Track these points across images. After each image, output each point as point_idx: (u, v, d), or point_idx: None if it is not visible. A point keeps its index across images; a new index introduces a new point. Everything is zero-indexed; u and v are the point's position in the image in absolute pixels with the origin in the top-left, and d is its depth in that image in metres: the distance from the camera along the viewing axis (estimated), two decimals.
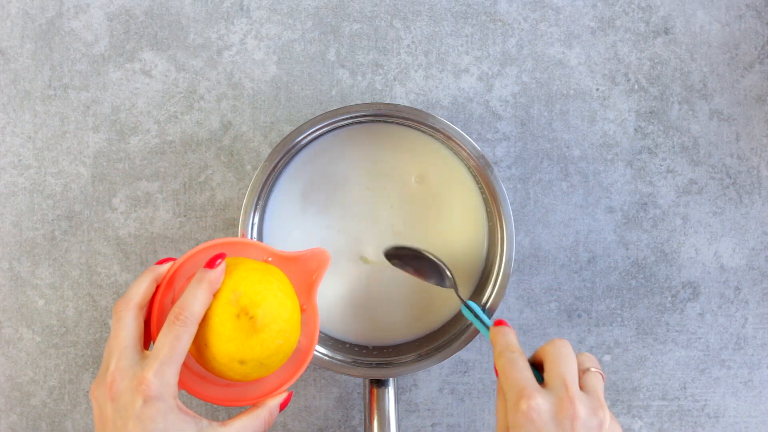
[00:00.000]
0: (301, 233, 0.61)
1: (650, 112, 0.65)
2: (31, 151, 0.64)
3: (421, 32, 0.65)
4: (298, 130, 0.57)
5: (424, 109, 0.64)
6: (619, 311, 0.65)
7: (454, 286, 0.57)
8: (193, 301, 0.46)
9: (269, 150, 0.64)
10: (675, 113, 0.65)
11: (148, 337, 0.49)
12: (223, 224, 0.64)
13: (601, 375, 0.48)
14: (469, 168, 0.60)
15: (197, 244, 0.63)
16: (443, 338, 0.60)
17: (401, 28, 0.64)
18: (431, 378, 0.65)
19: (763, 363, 0.66)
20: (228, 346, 0.46)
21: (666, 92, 0.65)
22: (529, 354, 0.60)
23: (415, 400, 0.65)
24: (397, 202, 0.61)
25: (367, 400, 0.58)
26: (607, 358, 0.65)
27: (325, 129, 0.59)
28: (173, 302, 0.49)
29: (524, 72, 0.65)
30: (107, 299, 0.64)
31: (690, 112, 0.65)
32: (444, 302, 0.61)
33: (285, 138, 0.57)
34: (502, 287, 0.58)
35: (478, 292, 0.61)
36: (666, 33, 0.65)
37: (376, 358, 0.60)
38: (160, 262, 0.49)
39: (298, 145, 0.59)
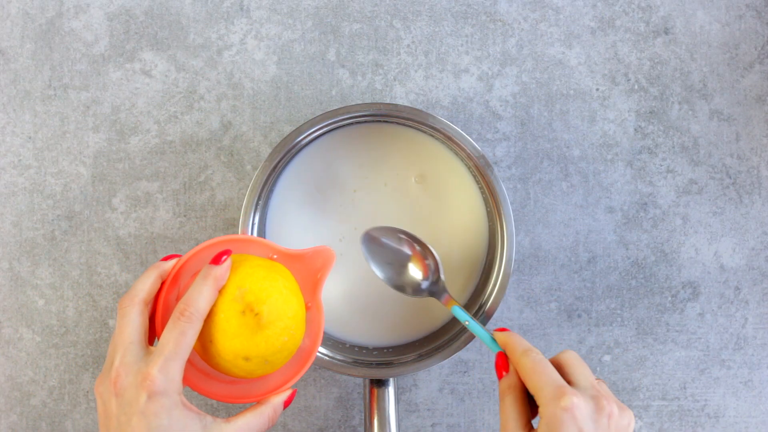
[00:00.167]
0: (301, 233, 0.61)
1: (650, 112, 0.65)
2: (31, 151, 0.64)
3: (421, 32, 0.65)
4: (298, 130, 0.57)
5: (424, 109, 0.64)
6: (619, 311, 0.65)
7: (438, 287, 0.57)
8: (199, 297, 0.46)
9: (269, 150, 0.64)
10: (675, 113, 0.65)
11: (152, 334, 0.49)
12: (223, 224, 0.64)
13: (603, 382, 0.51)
14: (469, 168, 0.60)
15: (197, 244, 0.63)
16: (443, 338, 0.60)
17: (401, 28, 0.64)
18: (431, 378, 0.65)
19: (763, 363, 0.66)
20: (233, 343, 0.46)
21: (666, 92, 0.65)
22: None
23: (415, 400, 0.65)
24: (397, 203, 0.61)
25: (367, 400, 0.58)
26: (607, 358, 0.65)
27: (325, 129, 0.59)
28: (177, 299, 0.49)
29: (524, 72, 0.65)
30: (107, 299, 0.64)
31: (690, 112, 0.65)
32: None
33: (285, 138, 0.57)
34: (502, 287, 0.58)
35: (478, 292, 0.61)
36: (666, 33, 0.65)
37: (376, 358, 0.60)
38: (165, 259, 0.49)
39: (299, 145, 0.59)
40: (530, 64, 0.65)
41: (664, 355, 0.65)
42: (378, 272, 0.58)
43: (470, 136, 0.57)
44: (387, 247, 0.58)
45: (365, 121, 0.60)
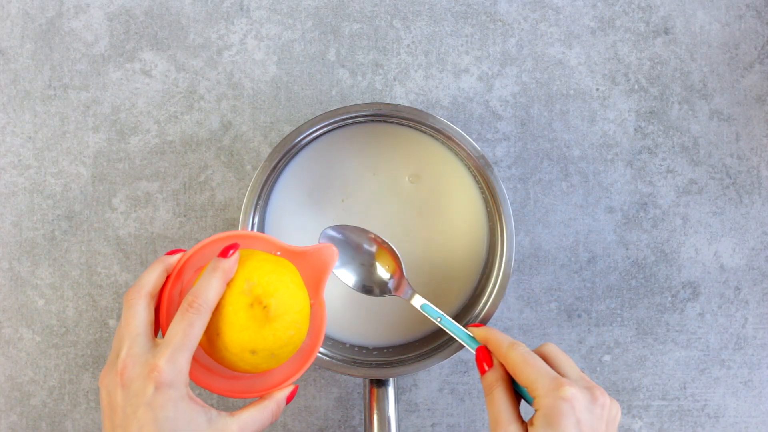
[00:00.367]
0: (301, 233, 0.61)
1: (650, 112, 0.65)
2: (31, 151, 0.64)
3: (421, 32, 0.65)
4: (298, 130, 0.57)
5: (424, 109, 0.64)
6: (619, 311, 0.65)
7: (394, 284, 0.57)
8: (207, 289, 0.46)
9: (269, 150, 0.64)
10: (675, 113, 0.65)
11: (156, 328, 0.49)
12: (223, 224, 0.64)
13: None
14: (469, 168, 0.60)
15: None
16: (443, 338, 0.60)
17: (401, 28, 0.64)
18: (431, 378, 0.65)
19: (763, 363, 0.66)
20: (241, 335, 0.46)
21: (666, 92, 0.65)
22: None
23: (415, 400, 0.65)
24: (397, 202, 0.61)
25: (367, 400, 0.58)
26: (607, 358, 0.65)
27: (325, 129, 0.59)
28: (181, 294, 0.49)
29: (524, 72, 0.65)
30: (107, 299, 0.64)
31: (690, 112, 0.65)
32: (444, 303, 0.61)
33: (285, 138, 0.57)
34: (502, 287, 0.58)
35: (478, 292, 0.61)
36: (666, 33, 0.65)
37: (376, 358, 0.60)
38: (170, 253, 0.49)
39: (298, 145, 0.59)
40: (530, 64, 0.65)
41: (664, 355, 0.65)
42: (342, 276, 0.58)
43: (470, 136, 0.57)
44: (350, 244, 0.58)
45: (365, 121, 0.60)
